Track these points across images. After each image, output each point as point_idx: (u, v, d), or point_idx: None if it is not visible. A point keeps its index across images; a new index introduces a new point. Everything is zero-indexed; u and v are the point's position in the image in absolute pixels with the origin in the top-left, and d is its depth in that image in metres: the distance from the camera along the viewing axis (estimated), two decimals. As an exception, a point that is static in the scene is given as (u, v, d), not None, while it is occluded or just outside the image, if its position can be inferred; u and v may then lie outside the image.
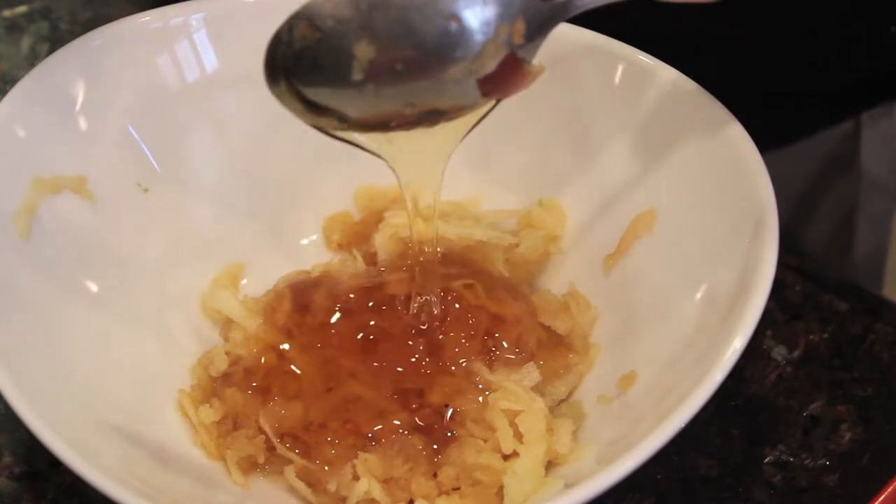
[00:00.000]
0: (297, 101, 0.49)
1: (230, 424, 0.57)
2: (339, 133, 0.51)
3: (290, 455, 0.55)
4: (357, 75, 0.48)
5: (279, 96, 0.49)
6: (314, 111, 0.50)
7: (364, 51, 0.47)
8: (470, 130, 0.52)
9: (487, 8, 0.48)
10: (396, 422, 0.56)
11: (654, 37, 0.59)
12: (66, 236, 0.59)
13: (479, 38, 0.48)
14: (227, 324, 0.62)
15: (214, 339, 0.62)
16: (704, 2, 0.49)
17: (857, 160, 0.87)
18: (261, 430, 0.57)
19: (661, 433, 0.46)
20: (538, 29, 0.49)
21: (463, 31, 0.48)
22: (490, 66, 0.48)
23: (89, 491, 0.46)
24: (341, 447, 0.55)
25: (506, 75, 0.49)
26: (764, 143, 0.56)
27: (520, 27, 0.48)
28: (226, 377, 0.59)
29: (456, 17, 0.47)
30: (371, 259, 0.64)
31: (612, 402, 0.56)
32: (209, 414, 0.57)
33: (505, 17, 0.48)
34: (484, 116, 0.51)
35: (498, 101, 0.51)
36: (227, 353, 0.60)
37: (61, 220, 0.59)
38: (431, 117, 0.50)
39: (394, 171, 0.54)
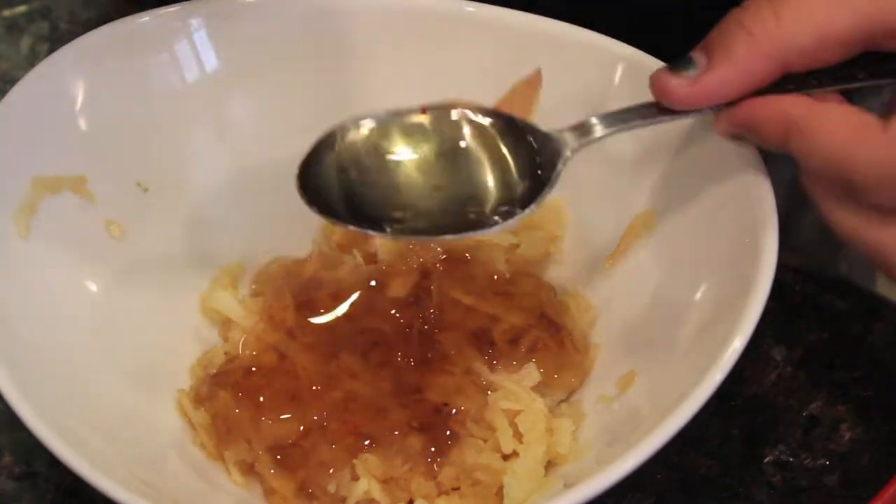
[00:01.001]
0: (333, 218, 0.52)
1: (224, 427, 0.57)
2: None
3: (281, 485, 0.55)
4: (391, 210, 0.51)
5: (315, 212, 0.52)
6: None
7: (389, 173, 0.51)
8: None
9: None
10: (396, 422, 0.56)
11: (652, 37, 0.59)
12: (66, 236, 0.59)
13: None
14: (226, 324, 0.62)
15: (214, 340, 0.62)
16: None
17: None
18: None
19: (661, 433, 0.46)
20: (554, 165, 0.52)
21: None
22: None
23: (89, 491, 0.46)
24: (340, 448, 0.55)
25: None
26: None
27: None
28: (217, 380, 0.58)
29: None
30: (371, 259, 0.64)
31: (612, 402, 0.56)
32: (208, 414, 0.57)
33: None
34: None
35: None
36: (226, 353, 0.60)
37: (61, 220, 0.59)
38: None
39: None
